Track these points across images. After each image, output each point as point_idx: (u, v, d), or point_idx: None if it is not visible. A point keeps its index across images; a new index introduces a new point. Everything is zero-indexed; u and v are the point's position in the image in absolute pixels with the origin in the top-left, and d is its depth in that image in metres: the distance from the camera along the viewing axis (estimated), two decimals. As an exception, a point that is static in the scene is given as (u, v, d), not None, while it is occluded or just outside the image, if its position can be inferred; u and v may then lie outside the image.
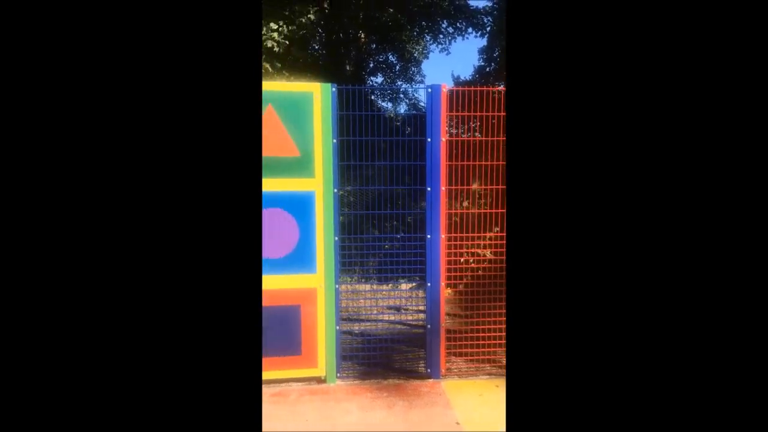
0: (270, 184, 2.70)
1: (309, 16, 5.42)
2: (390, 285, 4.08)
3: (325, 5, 7.40)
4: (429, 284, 2.88)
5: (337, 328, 2.84)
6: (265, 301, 2.73)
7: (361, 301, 3.79)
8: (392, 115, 8.25)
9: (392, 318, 3.86)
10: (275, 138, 2.67)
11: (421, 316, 3.58)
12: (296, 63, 5.94)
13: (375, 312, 3.92)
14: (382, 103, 10.86)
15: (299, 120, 2.69)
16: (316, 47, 8.60)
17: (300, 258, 2.75)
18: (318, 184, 2.74)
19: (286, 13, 5.37)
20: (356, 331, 3.45)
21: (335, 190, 2.77)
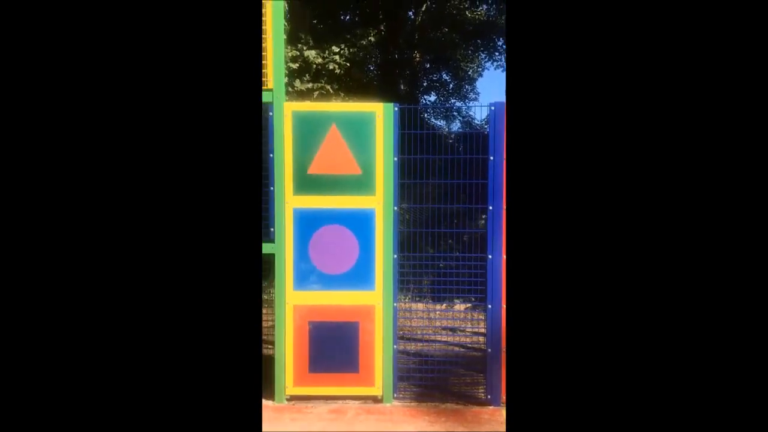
0: (332, 201, 2.75)
1: (370, 38, 5.60)
2: (444, 305, 4.00)
3: (382, 28, 7.61)
4: (490, 306, 2.78)
5: (395, 347, 2.81)
6: (325, 316, 2.77)
7: (415, 320, 3.74)
8: (446, 133, 8.23)
9: (448, 339, 3.77)
10: (338, 156, 2.74)
11: (478, 339, 3.46)
12: (352, 84, 6.13)
13: (430, 332, 3.85)
14: (435, 121, 10.87)
15: (361, 139, 2.75)
16: (371, 68, 8.82)
17: (359, 275, 2.77)
18: (378, 202, 2.76)
19: (348, 37, 5.58)
20: (411, 351, 3.40)
21: (395, 208, 2.78)
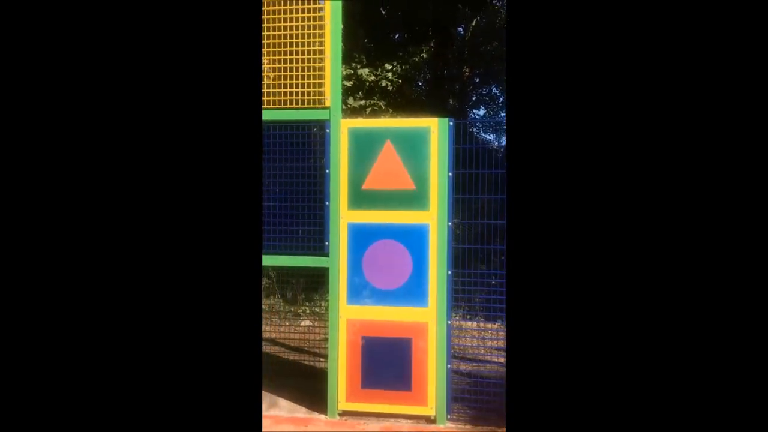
0: (386, 216, 2.76)
1: (422, 55, 5.66)
2: (497, 324, 3.87)
3: (431, 44, 7.67)
4: (549, 327, 2.65)
5: (449, 366, 2.74)
6: (378, 332, 2.75)
7: (467, 339, 3.64)
8: (495, 147, 8.09)
9: (501, 360, 3.63)
10: (392, 171, 2.75)
11: (535, 361, 3.30)
12: (401, 99, 6.20)
13: (482, 352, 3.72)
14: (485, 135, 10.71)
15: (416, 154, 2.75)
16: (420, 84, 8.89)
17: (412, 290, 2.74)
18: (432, 217, 2.74)
19: (400, 54, 5.69)
20: (464, 371, 3.30)
21: (449, 223, 2.74)
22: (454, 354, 3.58)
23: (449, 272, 2.74)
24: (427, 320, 2.73)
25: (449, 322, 2.74)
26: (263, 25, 2.78)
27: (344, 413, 2.78)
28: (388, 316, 2.74)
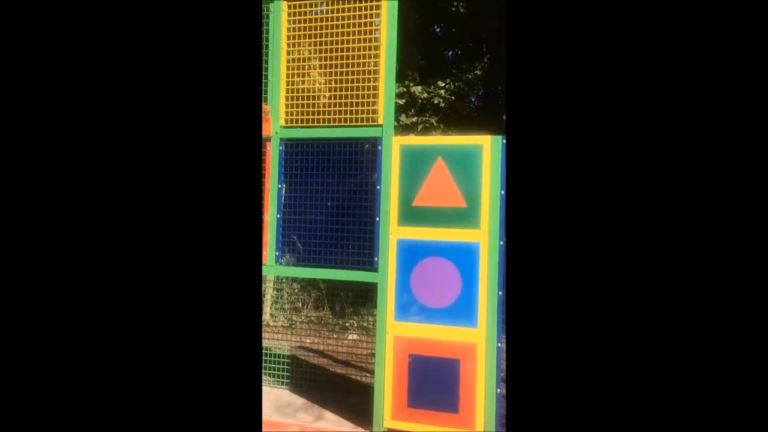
0: (435, 234, 2.75)
1: (476, 72, 5.65)
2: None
3: (485, 60, 7.63)
4: (608, 356, 2.49)
5: (498, 390, 2.64)
6: (425, 350, 2.72)
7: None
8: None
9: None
10: (443, 188, 2.74)
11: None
12: (453, 116, 6.20)
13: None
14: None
15: (468, 171, 2.72)
16: (473, 99, 8.82)
17: (461, 310, 2.69)
18: (483, 236, 2.68)
19: (454, 72, 5.71)
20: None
21: (501, 242, 2.67)
22: (505, 378, 3.44)
23: (500, 293, 2.66)
24: (476, 341, 2.66)
25: (499, 344, 2.65)
26: (320, 47, 2.91)
27: (390, 431, 2.75)
28: (435, 335, 2.70)
